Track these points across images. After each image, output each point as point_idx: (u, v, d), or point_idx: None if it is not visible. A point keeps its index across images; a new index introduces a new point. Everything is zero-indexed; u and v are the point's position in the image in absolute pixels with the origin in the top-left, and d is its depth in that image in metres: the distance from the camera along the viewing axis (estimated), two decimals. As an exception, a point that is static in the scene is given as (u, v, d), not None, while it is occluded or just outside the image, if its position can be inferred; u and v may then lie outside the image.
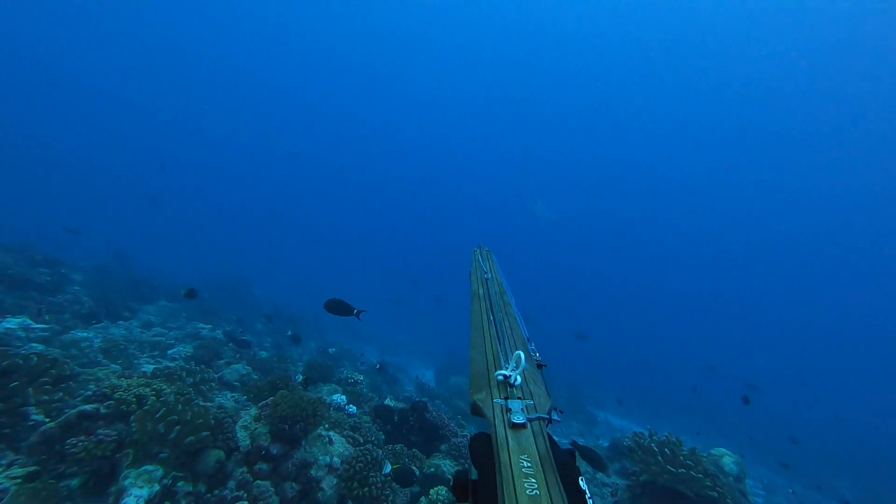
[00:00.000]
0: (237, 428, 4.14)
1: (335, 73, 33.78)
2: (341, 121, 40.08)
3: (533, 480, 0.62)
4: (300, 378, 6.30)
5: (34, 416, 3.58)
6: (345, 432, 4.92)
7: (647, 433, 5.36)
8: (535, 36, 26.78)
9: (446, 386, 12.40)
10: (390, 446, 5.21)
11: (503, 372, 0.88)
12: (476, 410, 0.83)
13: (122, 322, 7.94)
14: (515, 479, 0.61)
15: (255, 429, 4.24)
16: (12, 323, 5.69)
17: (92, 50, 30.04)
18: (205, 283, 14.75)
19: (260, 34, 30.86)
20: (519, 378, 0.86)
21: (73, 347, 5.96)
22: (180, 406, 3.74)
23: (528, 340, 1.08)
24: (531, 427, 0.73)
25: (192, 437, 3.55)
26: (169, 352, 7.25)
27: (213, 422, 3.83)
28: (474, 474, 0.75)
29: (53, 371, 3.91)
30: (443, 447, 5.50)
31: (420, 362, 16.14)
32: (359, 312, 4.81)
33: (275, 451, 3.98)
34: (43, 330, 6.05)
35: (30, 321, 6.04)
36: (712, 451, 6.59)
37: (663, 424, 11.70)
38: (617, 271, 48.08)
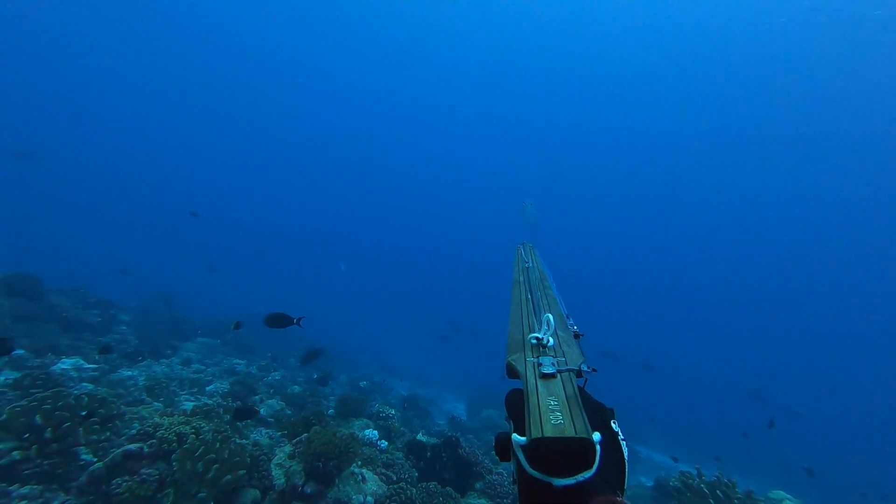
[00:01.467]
0: (272, 466, 4.16)
1: (350, 92, 34.89)
2: (366, 149, 41.65)
3: (558, 414, 0.63)
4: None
5: (83, 456, 3.73)
6: (378, 469, 4.85)
7: (695, 472, 5.00)
8: (537, 35, 26.85)
9: (478, 419, 12.08)
10: (424, 484, 5.08)
11: (535, 335, 0.91)
12: (510, 370, 0.85)
13: (164, 360, 8.26)
14: (542, 414, 0.64)
15: (290, 467, 4.24)
16: (67, 363, 6.03)
17: (129, 92, 33.09)
18: (241, 318, 15.22)
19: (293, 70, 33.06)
20: (551, 340, 0.89)
21: (120, 386, 6.23)
22: (218, 444, 3.82)
23: (567, 316, 1.11)
24: (560, 377, 0.76)
25: (230, 477, 3.59)
26: (207, 388, 7.45)
27: (248, 460, 3.88)
28: (512, 431, 0.76)
29: (102, 411, 4.09)
30: (477, 485, 5.31)
31: (451, 395, 15.83)
32: (299, 319, 4.87)
33: (309, 491, 3.96)
34: (93, 370, 6.37)
35: (82, 361, 6.39)
36: (770, 495, 6.05)
37: (710, 461, 10.83)
38: (645, 289, 46.30)
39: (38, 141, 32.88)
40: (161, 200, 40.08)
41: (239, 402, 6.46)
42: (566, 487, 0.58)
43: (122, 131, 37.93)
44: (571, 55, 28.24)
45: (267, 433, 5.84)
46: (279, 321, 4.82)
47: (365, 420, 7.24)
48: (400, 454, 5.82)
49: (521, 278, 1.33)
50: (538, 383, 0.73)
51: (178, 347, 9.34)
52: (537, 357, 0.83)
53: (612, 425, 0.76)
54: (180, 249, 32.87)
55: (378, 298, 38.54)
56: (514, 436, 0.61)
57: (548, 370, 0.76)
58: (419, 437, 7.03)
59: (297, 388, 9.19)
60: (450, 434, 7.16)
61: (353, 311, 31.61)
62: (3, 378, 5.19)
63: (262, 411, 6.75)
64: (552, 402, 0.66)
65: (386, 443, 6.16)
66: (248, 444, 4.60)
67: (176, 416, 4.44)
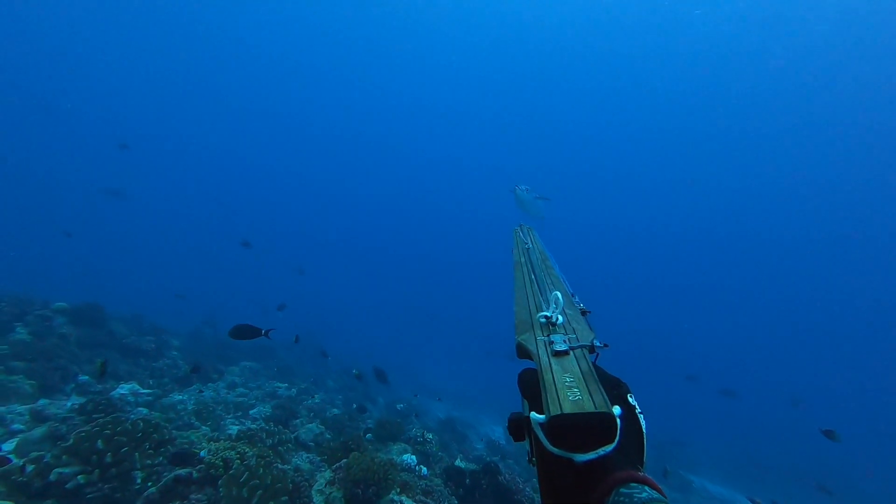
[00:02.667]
0: (313, 492, 4.20)
1: (377, 98, 35.53)
2: (387, 157, 42.42)
3: (576, 389, 0.63)
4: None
5: (139, 480, 3.92)
6: (416, 496, 4.78)
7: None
8: (538, 29, 26.59)
9: (518, 443, 11.72)
10: (464, 514, 4.96)
11: (544, 313, 0.90)
12: (521, 350, 0.85)
13: (211, 384, 8.61)
14: (559, 391, 0.63)
15: (330, 493, 4.27)
16: (125, 389, 6.41)
17: (176, 114, 35.84)
18: (282, 341, 15.71)
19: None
20: (560, 317, 0.88)
21: (171, 411, 6.53)
22: (261, 470, 3.90)
23: (573, 295, 1.10)
24: (573, 353, 0.75)
25: (273, 503, 3.65)
26: (251, 412, 7.67)
27: (290, 486, 3.93)
28: (527, 410, 0.76)
29: (155, 436, 4.29)
30: (520, 515, 5.12)
31: (489, 418, 15.50)
32: (268, 332, 4.83)
33: (349, 519, 3.96)
34: (148, 394, 6.73)
35: (138, 386, 6.77)
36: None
37: (765, 490, 9.91)
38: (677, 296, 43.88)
39: (107, 173, 36.00)
40: (212, 225, 42.44)
41: (280, 426, 6.61)
42: (587, 463, 0.58)
43: (178, 159, 41.03)
44: (573, 49, 27.77)
45: (308, 457, 5.92)
46: (245, 333, 4.85)
47: (403, 444, 7.20)
48: (438, 480, 5.72)
49: (522, 259, 1.32)
50: (551, 361, 0.73)
51: (223, 371, 9.72)
52: (547, 335, 0.83)
53: (629, 399, 0.75)
54: (229, 274, 34.54)
55: (409, 314, 38.69)
56: (533, 414, 0.61)
57: (560, 347, 0.76)
58: (457, 462, 6.90)
59: (335, 411, 9.30)
60: (489, 459, 6.98)
61: (386, 328, 31.85)
62: (70, 403, 5.58)
63: (302, 435, 6.87)
64: (568, 379, 0.66)
65: (426, 469, 6.09)
66: (289, 469, 4.68)
67: (222, 441, 4.59)
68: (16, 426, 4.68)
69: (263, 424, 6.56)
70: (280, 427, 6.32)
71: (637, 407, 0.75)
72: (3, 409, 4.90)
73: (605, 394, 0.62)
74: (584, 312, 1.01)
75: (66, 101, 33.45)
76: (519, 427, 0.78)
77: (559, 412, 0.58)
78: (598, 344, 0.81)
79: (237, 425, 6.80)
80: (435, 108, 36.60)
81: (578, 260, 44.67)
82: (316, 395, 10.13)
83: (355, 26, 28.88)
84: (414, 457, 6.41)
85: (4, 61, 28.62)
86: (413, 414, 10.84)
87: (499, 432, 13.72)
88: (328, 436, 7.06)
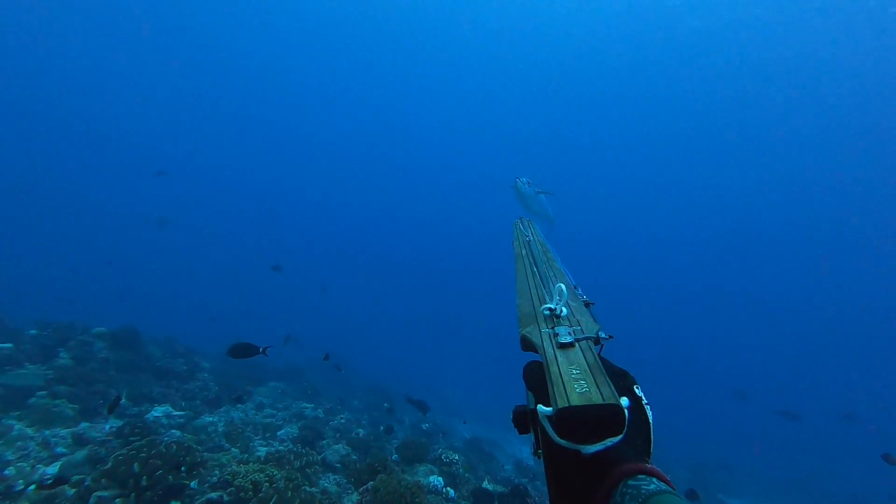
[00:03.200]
0: (340, 517, 4.19)
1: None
2: (398, 165, 42.62)
3: (583, 382, 0.62)
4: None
5: (172, 503, 4.00)
6: (444, 522, 4.69)
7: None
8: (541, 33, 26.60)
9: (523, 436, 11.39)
10: (493, 539, 4.83)
11: (548, 305, 0.89)
12: (525, 343, 0.84)
13: (240, 405, 8.76)
14: (566, 383, 0.62)
15: (357, 517, 4.24)
16: (158, 411, 6.61)
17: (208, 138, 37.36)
18: (308, 360, 15.90)
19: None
20: (564, 309, 0.87)
21: (203, 433, 6.67)
22: (290, 493, 3.93)
23: (576, 287, 1.09)
24: (579, 345, 0.74)
25: (301, 527, 3.66)
26: (278, 433, 7.75)
27: (318, 510, 3.94)
28: (532, 403, 0.76)
29: (188, 458, 4.39)
30: (551, 542, 4.94)
31: (516, 437, 15.13)
32: (265, 349, 4.83)
33: (376, 544, 3.92)
34: (180, 416, 6.90)
35: (171, 409, 6.96)
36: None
37: None
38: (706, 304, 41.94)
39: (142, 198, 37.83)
40: (241, 246, 43.76)
41: (308, 447, 6.65)
42: (595, 455, 0.58)
43: (209, 183, 42.79)
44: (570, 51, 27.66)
45: (335, 479, 5.91)
46: (244, 351, 4.92)
47: (429, 465, 7.11)
48: (466, 503, 5.61)
49: (524, 251, 1.31)
50: (557, 353, 0.73)
51: (252, 392, 9.89)
52: (552, 328, 0.82)
53: (636, 390, 0.75)
54: (258, 295, 35.36)
55: (431, 329, 38.51)
56: (540, 407, 0.61)
57: (565, 339, 0.75)
58: (485, 484, 6.75)
59: (361, 432, 9.29)
60: (517, 482, 6.80)
61: (408, 344, 31.78)
62: (108, 426, 5.79)
63: (328, 456, 6.88)
64: (574, 371, 0.66)
65: (453, 491, 5.98)
66: (317, 492, 4.69)
67: (251, 464, 4.65)
68: (59, 449, 4.88)
69: (291, 446, 6.62)
70: (307, 448, 6.36)
71: (644, 398, 0.75)
72: (48, 432, 5.12)
73: (612, 385, 0.61)
74: (587, 304, 1.02)
75: (103, 128, 35.49)
76: (524, 419, 0.78)
77: (566, 404, 0.58)
78: (603, 335, 0.81)
79: (265, 447, 6.88)
80: (450, 117, 36.71)
81: (609, 266, 43.49)
82: (342, 415, 10.17)
83: (385, 54, 30.01)
84: (441, 479, 6.31)
85: (45, 91, 30.71)
86: (440, 433, 10.72)
87: (527, 452, 13.37)
88: (354, 457, 7.05)
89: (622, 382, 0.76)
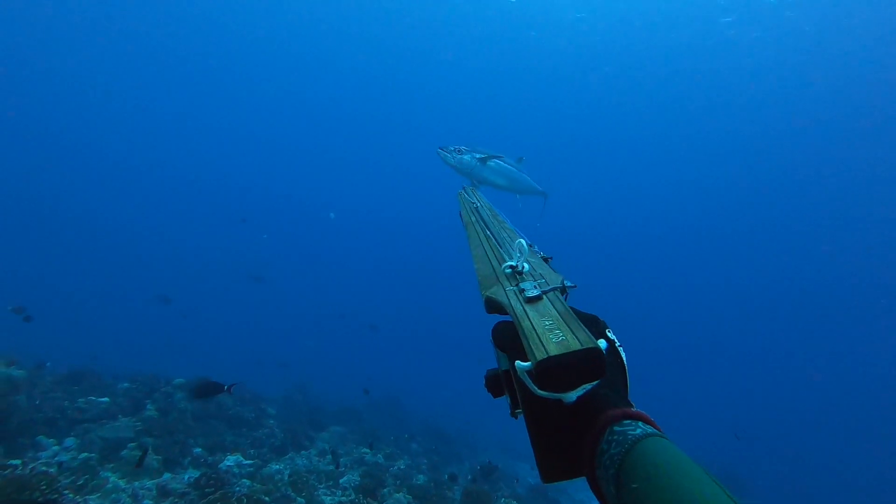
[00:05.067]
0: (405, 576, 4.09)
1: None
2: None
3: (558, 331, 0.60)
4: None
5: (245, 559, 4.13)
6: (513, 584, 4.43)
7: None
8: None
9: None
10: None
11: (509, 263, 0.87)
12: (490, 305, 0.81)
13: (304, 452, 8.99)
14: (541, 335, 0.60)
15: (422, 578, 4.12)
16: (231, 460, 6.94)
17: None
18: (365, 403, 16.09)
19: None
20: (526, 265, 0.86)
21: (270, 481, 6.88)
22: (354, 551, 3.92)
23: (532, 245, 1.05)
24: (547, 297, 0.72)
25: (367, 589, 3.61)
26: (341, 480, 7.81)
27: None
28: (505, 364, 0.75)
29: (258, 512, 4.55)
30: None
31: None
32: (230, 387, 4.68)
33: None
34: (249, 465, 7.20)
35: (241, 457, 7.29)
36: None
37: None
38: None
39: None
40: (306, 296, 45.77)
41: (370, 499, 6.64)
42: (578, 403, 0.58)
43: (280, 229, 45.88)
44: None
45: (397, 533, 5.82)
46: (208, 390, 4.86)
47: (493, 517, 6.81)
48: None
49: (473, 218, 1.28)
50: (526, 308, 0.70)
51: (314, 438, 10.12)
52: (516, 284, 0.80)
53: (608, 334, 0.74)
54: (318, 342, 36.54)
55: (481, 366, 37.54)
56: (518, 363, 0.60)
57: (532, 293, 0.73)
58: (555, 539, 6.32)
59: (421, 478, 9.13)
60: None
61: (463, 381, 31.12)
62: (187, 476, 6.15)
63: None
64: (547, 322, 0.64)
65: (518, 547, 5.66)
66: (381, 548, 4.63)
67: (317, 518, 4.71)
68: (146, 502, 5.24)
69: (353, 496, 6.64)
70: (369, 499, 6.34)
71: (617, 341, 0.74)
72: (136, 484, 5.53)
73: (587, 330, 0.60)
74: (546, 259, 1.01)
75: (181, 173, 39.49)
76: (497, 382, 0.76)
77: (545, 355, 0.56)
78: (568, 284, 0.80)
79: (329, 496, 6.95)
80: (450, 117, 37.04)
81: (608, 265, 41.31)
82: (401, 460, 10.09)
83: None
84: (506, 532, 6.01)
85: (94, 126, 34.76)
86: (500, 480, 10.27)
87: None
88: (416, 507, 6.92)
89: (595, 328, 0.75)
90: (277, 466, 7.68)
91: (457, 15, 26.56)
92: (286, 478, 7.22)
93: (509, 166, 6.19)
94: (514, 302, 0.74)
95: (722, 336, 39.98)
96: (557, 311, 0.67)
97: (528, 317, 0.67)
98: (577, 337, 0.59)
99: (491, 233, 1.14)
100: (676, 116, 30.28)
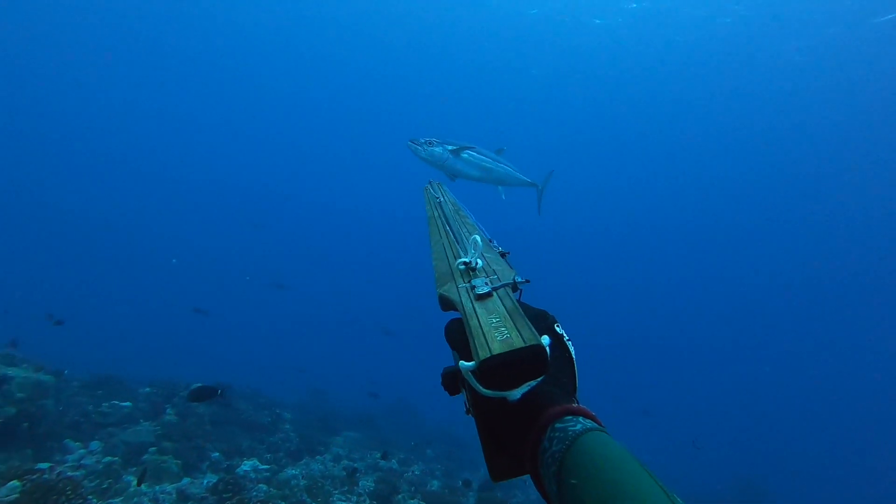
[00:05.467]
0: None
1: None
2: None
3: (503, 329, 0.60)
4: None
5: (262, 564, 4.18)
6: None
7: None
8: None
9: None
10: None
11: (463, 259, 0.86)
12: (444, 302, 0.81)
13: (318, 457, 9.06)
14: (486, 333, 0.60)
15: (436, 586, 4.11)
16: (247, 465, 7.04)
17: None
18: (379, 409, 16.15)
19: None
20: (479, 261, 0.85)
21: (286, 487, 6.95)
22: (369, 558, 3.93)
23: (490, 240, 1.05)
24: (496, 294, 0.72)
25: None
26: (356, 487, 7.85)
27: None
28: (457, 362, 0.72)
29: (274, 518, 4.60)
30: None
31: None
32: (222, 392, 4.82)
33: None
34: (266, 470, 7.29)
35: (258, 462, 7.39)
36: None
37: None
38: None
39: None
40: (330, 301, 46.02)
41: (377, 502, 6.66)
42: (522, 401, 0.57)
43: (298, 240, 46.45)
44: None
45: (411, 540, 5.82)
46: (202, 394, 5.09)
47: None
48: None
49: (436, 213, 1.26)
50: (475, 306, 0.70)
51: (329, 443, 10.19)
52: (468, 281, 0.80)
53: (557, 329, 0.73)
54: (332, 347, 36.72)
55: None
56: (462, 363, 0.59)
57: (482, 290, 0.73)
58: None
59: (435, 484, 9.12)
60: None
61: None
62: (206, 481, 6.26)
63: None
64: (494, 320, 0.64)
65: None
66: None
67: (332, 524, 4.75)
68: (166, 506, 5.36)
69: (368, 502, 6.66)
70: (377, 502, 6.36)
71: (565, 335, 0.73)
72: (157, 488, 5.66)
73: (532, 327, 0.60)
74: (503, 254, 1.00)
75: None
76: (453, 380, 0.75)
77: (488, 354, 0.56)
78: (519, 279, 0.80)
79: (344, 501, 6.99)
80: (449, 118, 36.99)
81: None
82: (415, 466, 10.09)
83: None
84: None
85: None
86: (516, 487, 10.18)
87: None
88: (430, 514, 6.91)
89: (543, 323, 0.74)
90: (293, 472, 7.76)
91: (468, 16, 26.41)
92: (302, 483, 7.28)
93: (485, 157, 5.89)
94: (464, 299, 0.74)
95: (721, 335, 39.72)
96: (505, 308, 0.67)
97: (476, 315, 0.67)
98: (521, 334, 0.58)
99: (451, 228, 1.13)
100: (676, 116, 30.30)
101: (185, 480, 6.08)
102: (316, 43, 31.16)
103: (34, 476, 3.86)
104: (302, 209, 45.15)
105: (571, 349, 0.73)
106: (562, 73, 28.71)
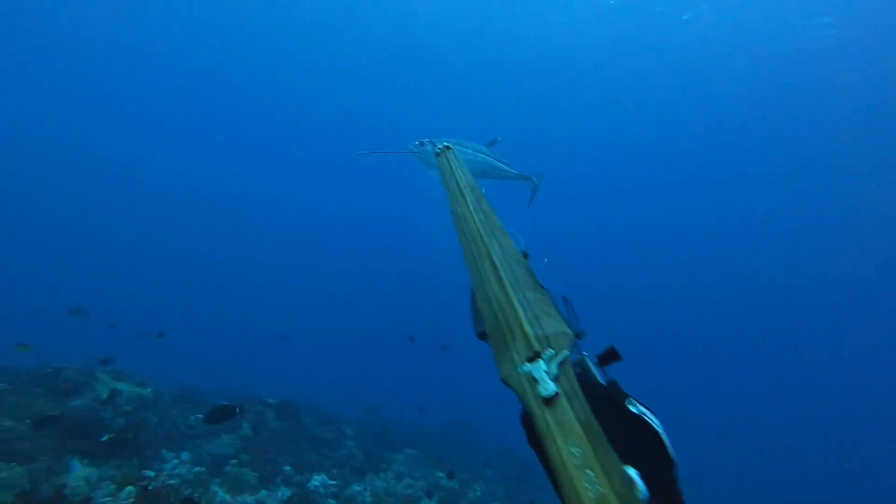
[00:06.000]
0: None
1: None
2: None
3: (590, 472, 0.54)
4: None
5: (339, 581, 4.31)
6: None
7: None
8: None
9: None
10: None
11: (526, 328, 0.74)
12: (504, 382, 0.72)
13: (382, 474, 9.22)
14: (574, 479, 0.54)
15: None
16: (317, 480, 7.32)
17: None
18: (433, 425, 16.18)
19: None
20: (544, 371, 0.71)
21: (352, 502, 7.15)
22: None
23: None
24: (562, 390, 0.63)
25: None
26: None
27: None
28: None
29: (349, 535, 4.75)
30: None
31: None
32: (240, 407, 4.70)
33: None
34: (333, 486, 7.54)
35: (326, 478, 7.66)
36: None
37: None
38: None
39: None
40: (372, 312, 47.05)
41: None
42: None
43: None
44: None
45: (479, 565, 5.73)
46: (220, 416, 4.99)
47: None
48: None
49: (460, 208, 0.98)
50: (545, 415, 0.62)
51: (391, 461, 10.34)
52: (528, 360, 0.69)
53: (629, 407, 0.66)
54: (389, 362, 37.28)
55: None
56: None
57: (547, 391, 0.63)
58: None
59: (497, 507, 8.94)
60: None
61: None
62: (280, 494, 6.60)
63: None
64: (576, 452, 0.57)
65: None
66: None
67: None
68: (248, 516, 5.70)
69: (433, 523, 6.66)
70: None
71: (644, 413, 0.65)
72: (239, 498, 6.04)
73: (622, 467, 0.55)
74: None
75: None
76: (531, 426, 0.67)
77: None
78: (583, 354, 0.74)
79: (409, 521, 7.05)
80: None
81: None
82: (477, 486, 9.96)
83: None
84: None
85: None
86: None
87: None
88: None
89: (616, 408, 0.67)
90: (358, 488, 7.96)
91: (458, 15, 25.45)
92: (367, 500, 7.45)
93: (468, 150, 5.25)
94: (530, 403, 0.65)
95: (719, 335, 38.50)
96: (580, 423, 0.61)
97: (551, 434, 0.61)
98: (610, 483, 0.54)
99: (485, 243, 0.89)
100: (674, 116, 29.66)
101: (263, 493, 6.44)
102: (326, 45, 31.39)
103: (143, 482, 4.32)
104: (359, 226, 46.64)
105: (656, 424, 0.66)
106: (577, 73, 28.54)
